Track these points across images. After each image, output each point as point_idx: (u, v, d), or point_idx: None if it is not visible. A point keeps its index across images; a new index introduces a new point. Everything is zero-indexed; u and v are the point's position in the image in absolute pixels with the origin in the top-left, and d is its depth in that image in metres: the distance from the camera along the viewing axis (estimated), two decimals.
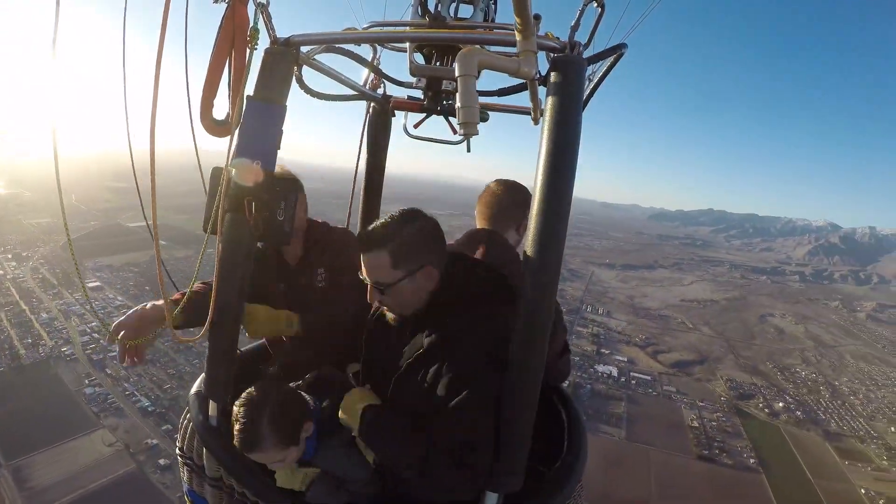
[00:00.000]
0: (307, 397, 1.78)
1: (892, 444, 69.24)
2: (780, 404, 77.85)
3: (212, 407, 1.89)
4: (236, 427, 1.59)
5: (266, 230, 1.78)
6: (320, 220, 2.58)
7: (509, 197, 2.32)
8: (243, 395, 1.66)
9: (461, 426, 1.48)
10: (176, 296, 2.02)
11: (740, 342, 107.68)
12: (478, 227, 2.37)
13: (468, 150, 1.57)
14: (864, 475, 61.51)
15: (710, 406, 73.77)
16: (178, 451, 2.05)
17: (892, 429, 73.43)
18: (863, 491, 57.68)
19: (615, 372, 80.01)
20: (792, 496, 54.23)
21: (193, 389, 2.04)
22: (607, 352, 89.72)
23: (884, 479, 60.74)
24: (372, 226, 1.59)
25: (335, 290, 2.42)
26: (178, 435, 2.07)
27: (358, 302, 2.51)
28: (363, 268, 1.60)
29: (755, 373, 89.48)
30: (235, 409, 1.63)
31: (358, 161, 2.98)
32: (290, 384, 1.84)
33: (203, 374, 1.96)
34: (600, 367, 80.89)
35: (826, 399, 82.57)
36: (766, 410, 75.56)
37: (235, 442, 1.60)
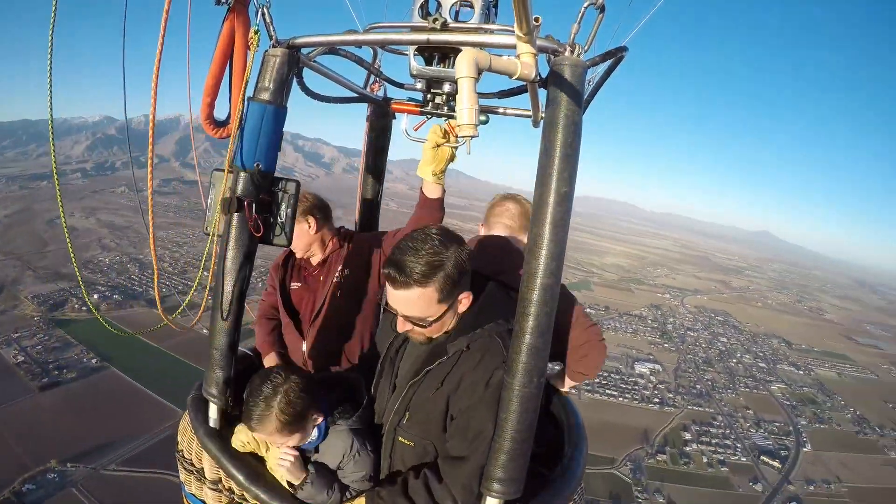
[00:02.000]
0: (318, 391, 1.79)
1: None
2: (96, 297, 75.39)
3: (212, 409, 1.88)
4: (249, 403, 1.63)
5: (266, 231, 1.79)
6: (352, 231, 2.78)
7: (517, 206, 2.42)
8: (261, 373, 1.70)
9: (475, 455, 1.51)
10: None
11: (36, 255, 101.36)
12: (496, 233, 2.42)
13: (468, 153, 1.57)
14: None
15: (28, 332, 66.63)
16: (177, 453, 2.04)
17: (206, 273, 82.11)
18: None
19: None
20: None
21: (193, 392, 2.04)
22: None
23: None
24: (409, 259, 1.46)
25: (353, 285, 2.54)
26: (178, 437, 2.06)
27: (371, 294, 2.61)
28: (400, 303, 1.52)
29: (59, 278, 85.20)
30: (252, 385, 1.67)
31: (362, 163, 3.00)
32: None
33: (203, 377, 1.95)
34: None
35: (137, 273, 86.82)
36: (84, 309, 71.67)
37: (244, 416, 1.66)
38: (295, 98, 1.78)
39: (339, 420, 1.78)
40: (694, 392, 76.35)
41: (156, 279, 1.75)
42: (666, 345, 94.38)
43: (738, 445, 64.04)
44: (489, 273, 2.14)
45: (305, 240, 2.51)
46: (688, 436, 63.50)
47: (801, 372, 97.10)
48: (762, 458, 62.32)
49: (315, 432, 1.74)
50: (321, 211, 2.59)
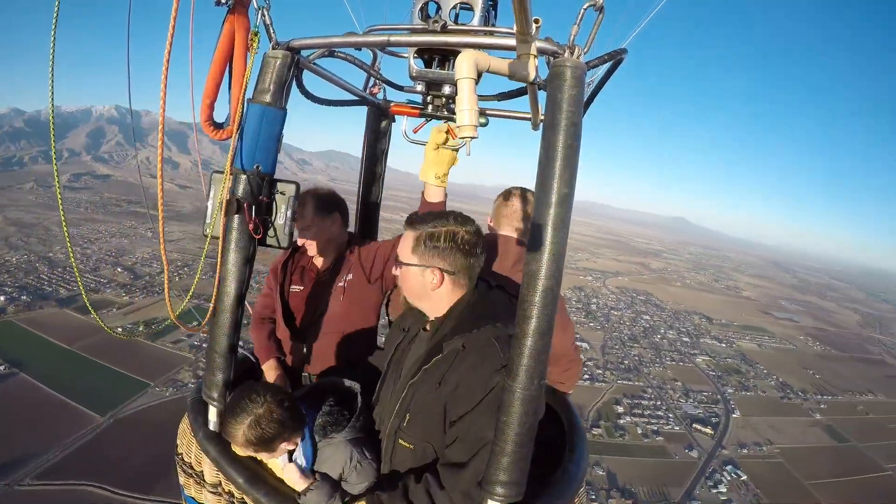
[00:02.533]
0: (303, 412, 1.76)
1: (122, 281, 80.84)
2: (2, 298, 69.17)
3: (211, 412, 1.88)
4: (225, 412, 1.68)
5: (266, 234, 1.79)
6: (356, 237, 2.77)
7: (525, 206, 2.41)
8: (242, 389, 1.70)
9: (466, 455, 1.52)
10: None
11: None
12: (505, 234, 2.42)
13: (468, 154, 1.57)
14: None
15: None
16: (176, 456, 2.04)
17: (119, 269, 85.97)
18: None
19: None
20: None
21: (192, 394, 2.03)
22: None
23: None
24: (425, 212, 1.74)
25: (357, 292, 2.52)
26: (177, 440, 2.06)
27: (373, 302, 2.60)
28: (401, 241, 1.75)
29: None
30: (232, 396, 1.70)
31: (362, 165, 3.00)
32: (291, 391, 1.86)
33: (202, 379, 1.95)
34: None
35: (46, 272, 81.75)
36: None
37: (220, 424, 1.71)
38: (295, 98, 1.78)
39: (334, 433, 1.76)
40: (622, 367, 78.86)
41: (166, 280, 1.73)
42: (591, 324, 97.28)
43: (671, 415, 66.67)
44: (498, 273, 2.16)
45: (325, 236, 2.50)
46: (620, 409, 65.26)
47: (724, 345, 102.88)
48: (694, 425, 64.93)
49: (301, 457, 1.73)
50: (344, 212, 2.59)
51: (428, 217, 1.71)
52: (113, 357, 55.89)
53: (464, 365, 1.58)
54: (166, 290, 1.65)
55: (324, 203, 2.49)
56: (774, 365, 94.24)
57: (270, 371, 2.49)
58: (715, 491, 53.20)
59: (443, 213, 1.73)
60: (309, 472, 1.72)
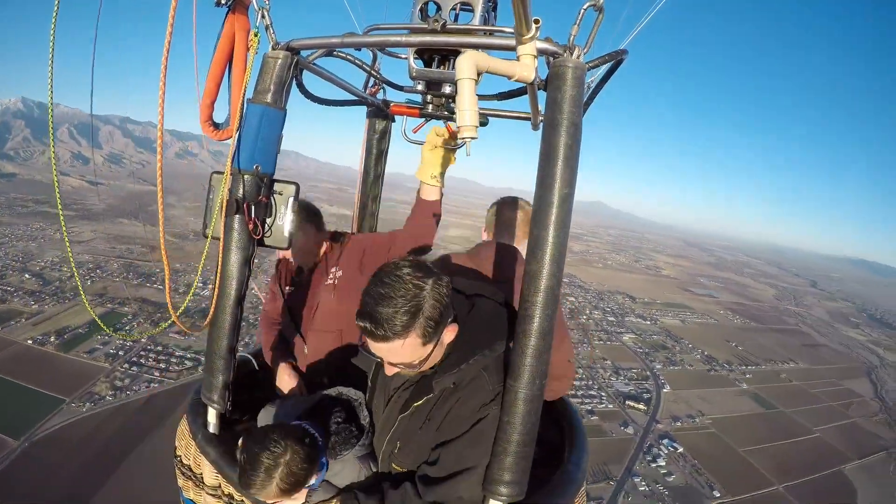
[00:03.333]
0: (317, 438, 1.65)
1: (30, 288, 72.46)
2: None
3: (210, 414, 1.87)
4: (247, 471, 1.49)
5: (266, 234, 1.78)
6: (344, 232, 2.72)
7: (517, 215, 2.39)
8: (251, 441, 1.53)
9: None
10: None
11: None
12: (499, 240, 2.41)
13: (468, 154, 1.56)
14: None
15: None
16: (175, 458, 2.03)
17: (26, 275, 78.09)
18: None
19: None
20: None
21: (191, 396, 2.02)
22: None
23: None
24: (384, 310, 1.33)
25: (347, 286, 2.49)
26: (175, 442, 2.05)
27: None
28: (384, 353, 1.43)
29: None
30: (248, 451, 1.50)
31: (361, 166, 3.00)
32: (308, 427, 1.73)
33: (201, 381, 1.94)
34: None
35: None
36: None
37: (241, 482, 1.52)
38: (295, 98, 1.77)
39: (343, 451, 1.71)
40: None
41: (167, 279, 1.72)
42: None
43: (603, 394, 68.32)
44: (498, 280, 2.14)
45: (303, 248, 2.50)
46: None
47: (648, 322, 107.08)
48: (627, 402, 66.69)
49: (314, 481, 1.65)
50: (317, 219, 2.57)
51: (398, 313, 1.34)
52: (22, 373, 51.33)
53: (453, 400, 1.55)
54: (167, 289, 1.64)
55: (302, 216, 2.42)
56: (698, 339, 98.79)
57: (284, 375, 2.44)
58: (654, 465, 54.69)
59: (400, 290, 1.35)
60: (328, 487, 1.68)
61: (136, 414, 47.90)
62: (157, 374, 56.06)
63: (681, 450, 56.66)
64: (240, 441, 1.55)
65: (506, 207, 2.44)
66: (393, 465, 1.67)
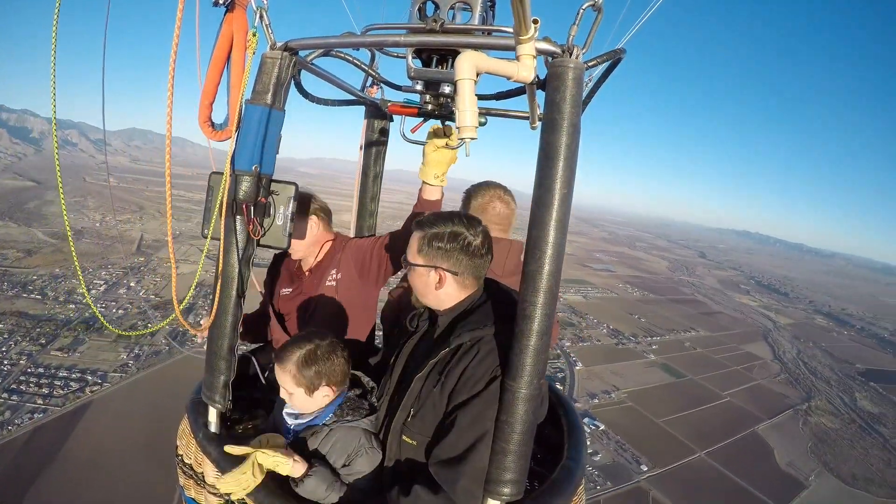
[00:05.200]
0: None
1: None
2: None
3: (211, 413, 1.88)
4: (288, 342, 1.80)
5: (265, 234, 1.78)
6: (344, 235, 2.73)
7: (507, 207, 2.45)
8: (311, 328, 1.88)
9: (462, 446, 1.52)
10: None
11: None
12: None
13: (467, 155, 1.57)
14: None
15: None
16: (176, 457, 2.04)
17: None
18: None
19: None
20: None
21: (192, 395, 2.03)
22: None
23: None
24: (434, 214, 1.77)
25: (347, 289, 2.48)
26: (177, 441, 2.05)
27: (367, 299, 2.58)
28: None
29: None
30: (302, 333, 1.85)
31: (360, 166, 2.99)
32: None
33: (202, 380, 1.95)
34: None
35: None
36: None
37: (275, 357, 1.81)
38: (294, 98, 1.76)
39: (353, 420, 1.78)
40: None
41: (174, 275, 1.73)
42: None
43: None
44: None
45: (307, 239, 2.49)
46: None
47: None
48: None
49: (322, 407, 1.81)
50: (325, 213, 2.57)
51: (435, 219, 1.72)
52: None
53: (467, 358, 1.58)
54: (173, 286, 1.64)
55: (300, 206, 2.43)
56: (602, 314, 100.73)
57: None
58: None
59: (450, 215, 1.73)
60: (304, 460, 1.69)
61: (18, 455, 37.85)
62: (39, 401, 44.57)
63: (602, 427, 57.38)
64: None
65: (489, 201, 2.44)
66: (404, 437, 1.68)
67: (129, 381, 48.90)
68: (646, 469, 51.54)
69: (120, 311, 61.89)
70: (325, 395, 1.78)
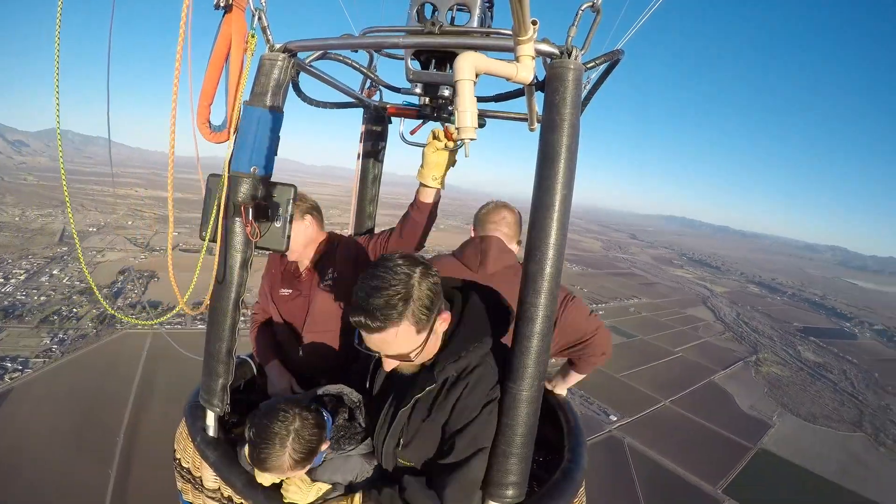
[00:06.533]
0: (324, 413, 1.72)
1: None
2: None
3: (209, 416, 1.87)
4: (255, 449, 1.53)
5: (264, 237, 1.78)
6: (337, 233, 2.72)
7: (513, 215, 2.46)
8: (265, 412, 1.57)
9: (464, 478, 1.48)
10: None
11: None
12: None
13: (466, 155, 1.57)
14: None
15: None
16: (174, 461, 2.02)
17: None
18: None
19: None
20: None
21: (190, 399, 2.02)
22: None
23: None
24: (376, 301, 1.35)
25: (344, 287, 2.47)
26: (174, 445, 2.04)
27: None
28: (380, 346, 1.44)
29: None
30: (257, 425, 1.54)
31: (358, 169, 2.99)
32: (303, 399, 1.78)
33: (199, 383, 1.93)
34: None
35: None
36: None
37: (250, 459, 1.57)
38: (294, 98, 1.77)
39: (348, 446, 1.73)
40: None
41: (170, 264, 1.72)
42: None
43: None
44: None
45: (302, 240, 2.48)
46: None
47: None
48: None
49: (322, 450, 1.69)
50: (318, 212, 2.57)
51: (389, 301, 1.37)
52: None
53: (457, 391, 1.53)
54: (171, 276, 1.63)
55: (301, 210, 2.47)
56: None
57: (274, 372, 2.48)
58: None
59: (389, 279, 1.38)
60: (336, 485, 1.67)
61: None
62: None
63: None
64: (248, 420, 1.59)
65: (497, 210, 2.47)
66: (400, 459, 1.65)
67: (54, 366, 47.59)
68: (615, 419, 53.48)
69: (42, 298, 61.97)
70: (322, 449, 1.67)
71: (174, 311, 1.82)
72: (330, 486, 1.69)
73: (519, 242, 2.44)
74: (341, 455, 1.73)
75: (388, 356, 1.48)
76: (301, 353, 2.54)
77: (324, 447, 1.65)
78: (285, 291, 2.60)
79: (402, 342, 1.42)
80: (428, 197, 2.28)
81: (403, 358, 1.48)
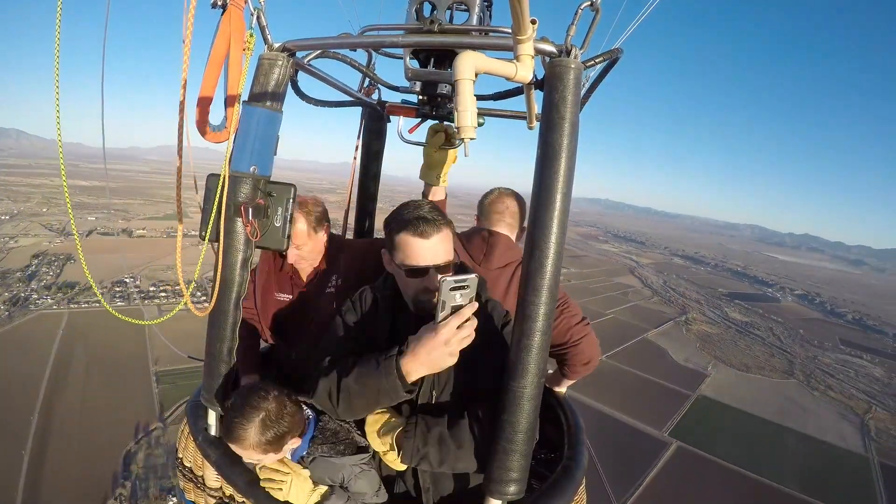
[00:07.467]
0: (308, 411, 1.74)
1: None
2: None
3: (210, 416, 1.87)
4: (225, 418, 1.63)
5: (263, 236, 1.78)
6: (340, 236, 2.62)
7: (517, 204, 2.44)
8: (245, 388, 1.68)
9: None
10: None
11: None
12: (497, 230, 2.43)
13: (466, 154, 1.57)
14: None
15: None
16: (176, 460, 2.03)
17: None
18: None
19: None
20: None
21: (191, 398, 2.02)
22: None
23: None
24: (425, 211, 1.60)
25: (346, 295, 2.39)
26: (177, 444, 2.05)
27: None
28: (437, 249, 1.59)
29: None
30: (233, 399, 1.66)
31: (357, 167, 2.98)
32: (294, 395, 1.79)
33: (201, 383, 1.94)
34: None
35: None
36: None
37: (222, 429, 1.65)
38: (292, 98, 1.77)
39: (334, 457, 1.73)
40: None
41: (178, 260, 1.71)
42: None
43: None
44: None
45: (309, 246, 2.33)
46: None
47: None
48: None
49: (299, 445, 1.72)
50: (324, 217, 2.41)
51: (434, 211, 1.64)
52: None
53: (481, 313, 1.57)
54: (178, 271, 1.63)
55: (317, 219, 2.34)
56: None
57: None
58: None
59: (429, 205, 1.65)
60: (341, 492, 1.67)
61: None
62: None
63: None
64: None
65: (502, 198, 2.45)
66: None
67: None
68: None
69: None
70: (292, 445, 1.71)
71: (177, 309, 1.81)
72: (328, 489, 1.69)
73: (523, 230, 2.43)
74: (325, 459, 1.72)
75: (437, 266, 1.62)
76: (294, 356, 2.48)
77: (294, 443, 1.68)
78: (283, 296, 2.46)
79: (449, 246, 1.65)
80: (436, 195, 2.27)
81: (447, 266, 1.66)
